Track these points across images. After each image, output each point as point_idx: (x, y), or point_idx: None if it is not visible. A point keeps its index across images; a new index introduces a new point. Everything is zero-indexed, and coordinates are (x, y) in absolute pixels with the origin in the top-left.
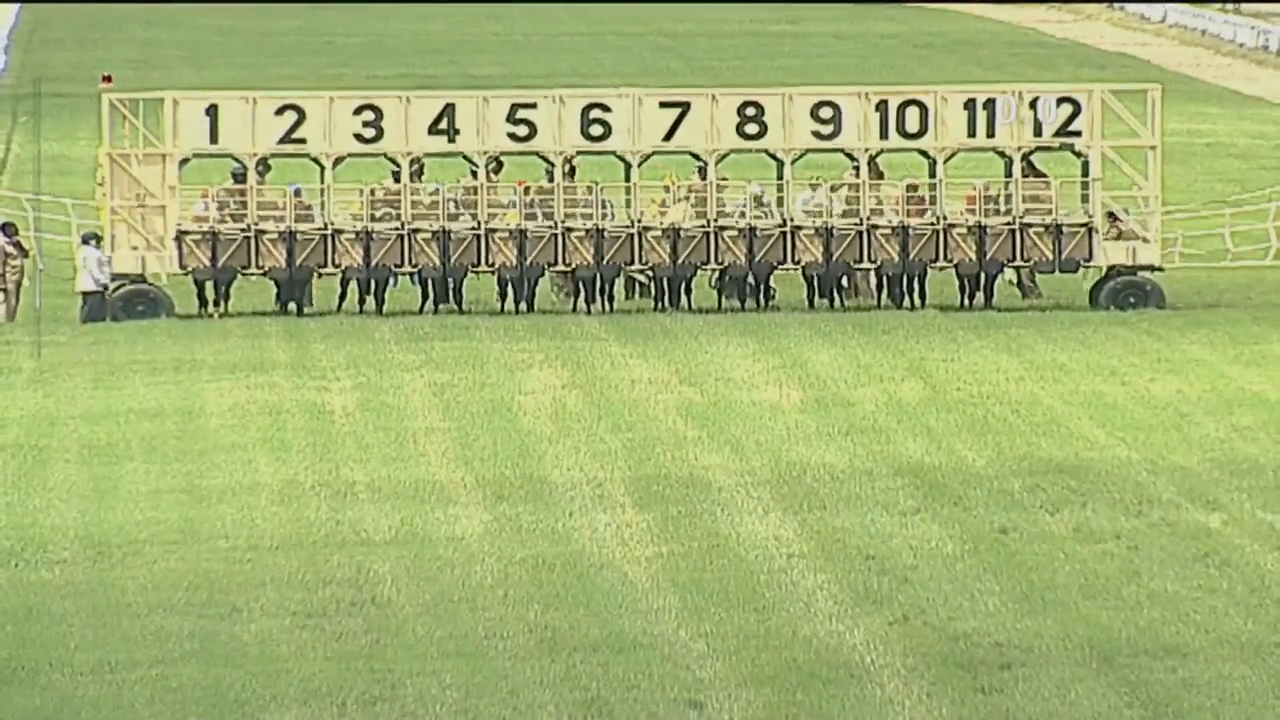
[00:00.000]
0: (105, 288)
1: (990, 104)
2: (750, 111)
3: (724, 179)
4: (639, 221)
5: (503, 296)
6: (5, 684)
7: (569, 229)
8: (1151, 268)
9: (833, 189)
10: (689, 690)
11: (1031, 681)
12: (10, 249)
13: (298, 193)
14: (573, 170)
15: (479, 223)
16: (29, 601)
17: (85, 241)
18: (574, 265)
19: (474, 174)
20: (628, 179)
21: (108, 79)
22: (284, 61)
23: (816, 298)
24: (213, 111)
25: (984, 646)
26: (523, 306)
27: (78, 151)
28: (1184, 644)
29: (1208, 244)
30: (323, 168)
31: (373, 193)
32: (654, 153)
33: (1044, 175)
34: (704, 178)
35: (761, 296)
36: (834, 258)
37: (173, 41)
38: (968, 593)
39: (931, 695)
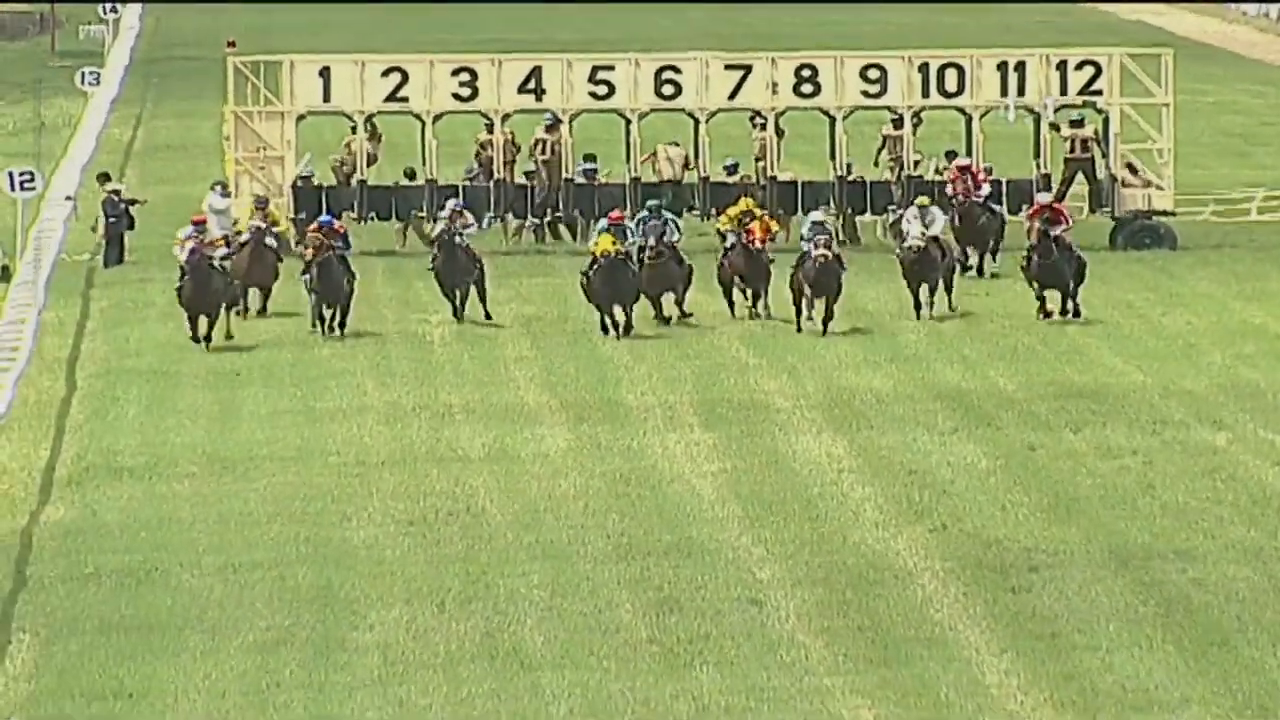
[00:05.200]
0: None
1: (1021, 66)
2: (806, 73)
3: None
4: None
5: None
6: (141, 583)
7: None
8: (1165, 212)
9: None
10: (750, 590)
11: (1057, 582)
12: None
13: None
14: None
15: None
16: (162, 511)
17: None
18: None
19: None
20: (696, 134)
21: (232, 44)
22: (390, 29)
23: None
24: (325, 73)
25: (1014, 551)
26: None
27: (203, 109)
28: (1193, 548)
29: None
30: (423, 124)
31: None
32: (719, 110)
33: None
34: (763, 130)
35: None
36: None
37: (290, 11)
38: (999, 504)
39: (967, 595)
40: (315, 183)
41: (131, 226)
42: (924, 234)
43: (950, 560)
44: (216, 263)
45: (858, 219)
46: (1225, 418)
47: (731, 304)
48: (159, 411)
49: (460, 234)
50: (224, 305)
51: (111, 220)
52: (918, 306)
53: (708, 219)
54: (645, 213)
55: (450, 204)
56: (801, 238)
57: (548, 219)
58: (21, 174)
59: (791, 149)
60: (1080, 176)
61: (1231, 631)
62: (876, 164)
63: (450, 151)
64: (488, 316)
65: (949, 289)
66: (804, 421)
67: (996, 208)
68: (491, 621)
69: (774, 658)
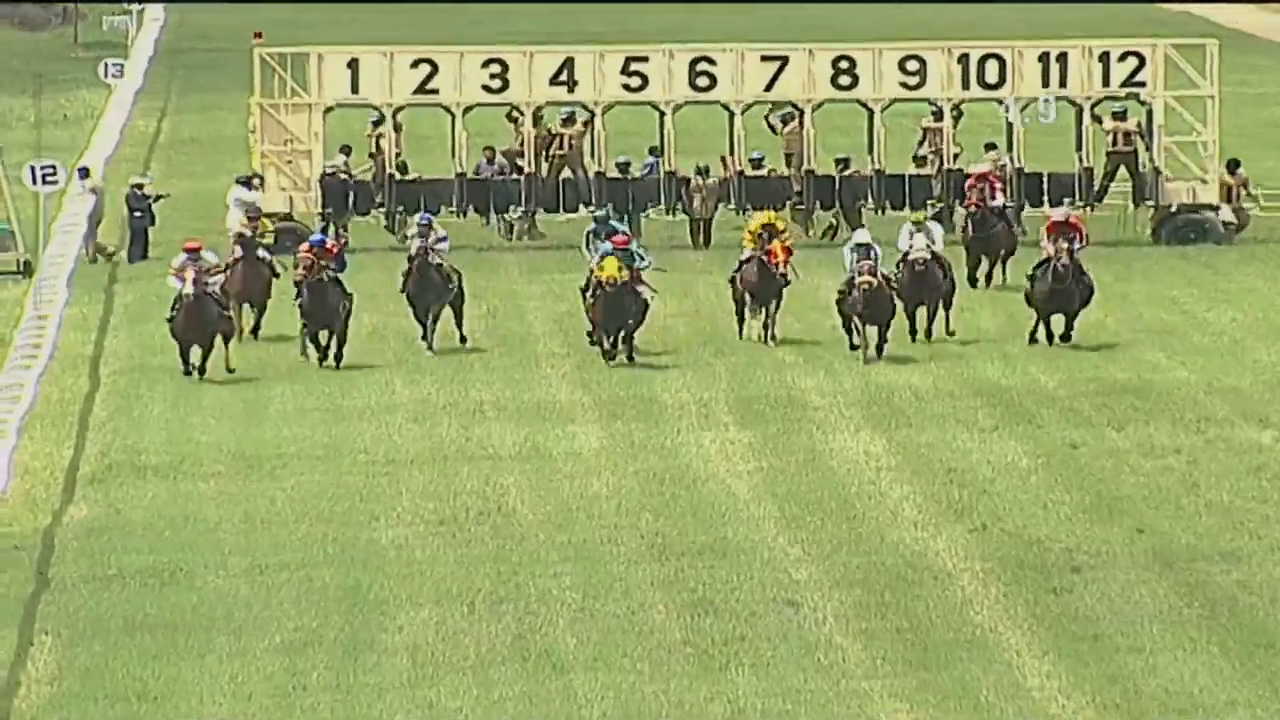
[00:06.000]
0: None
1: (1063, 57)
2: (844, 64)
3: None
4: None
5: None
6: (166, 584)
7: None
8: (1211, 206)
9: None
10: (786, 591)
11: (1099, 583)
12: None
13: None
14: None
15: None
16: (187, 510)
17: (239, 183)
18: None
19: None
20: (731, 127)
21: (259, 35)
22: (418, 20)
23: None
24: (354, 65)
25: (1055, 552)
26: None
27: (228, 101)
28: (1238, 549)
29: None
30: (453, 116)
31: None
32: (755, 102)
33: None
34: (801, 126)
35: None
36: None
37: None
38: (1041, 503)
39: (1007, 596)
40: (343, 176)
41: (154, 222)
42: (929, 246)
43: (991, 560)
44: (213, 288)
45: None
46: (1272, 415)
47: (741, 323)
48: (184, 409)
49: (433, 250)
50: (220, 336)
51: (136, 215)
52: (913, 332)
53: (742, 214)
54: (594, 225)
55: (418, 219)
56: (846, 264)
57: (521, 213)
58: (44, 168)
59: (828, 142)
60: (1123, 170)
61: (1278, 634)
62: (916, 158)
63: (481, 145)
64: (463, 340)
65: (948, 308)
66: (841, 419)
67: (1011, 219)
68: (523, 623)
69: (811, 660)
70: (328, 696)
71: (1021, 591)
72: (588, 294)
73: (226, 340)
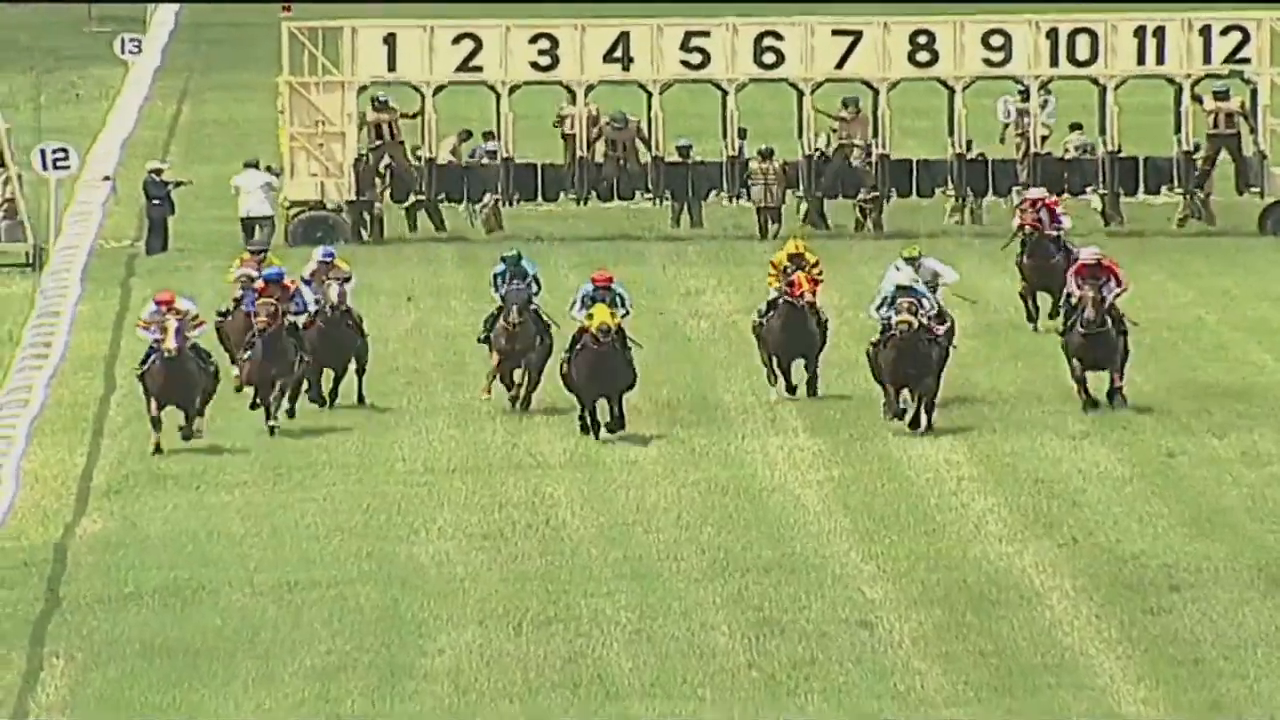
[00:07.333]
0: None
1: (1160, 32)
2: (922, 39)
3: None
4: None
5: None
6: (187, 603)
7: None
8: None
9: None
10: (860, 611)
11: (1200, 603)
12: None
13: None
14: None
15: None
16: (210, 523)
17: (247, 167)
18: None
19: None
20: (800, 107)
21: (287, 7)
22: None
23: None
24: (390, 40)
25: (1152, 568)
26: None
27: (254, 80)
28: None
29: None
30: (498, 96)
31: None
32: (826, 80)
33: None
34: (875, 107)
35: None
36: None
37: None
38: (1136, 515)
39: (1100, 616)
40: (380, 162)
41: (173, 211)
42: (921, 301)
43: (1082, 578)
44: (196, 340)
45: (981, 201)
46: None
47: (773, 380)
48: (206, 413)
49: (343, 295)
50: (203, 396)
51: (154, 203)
52: (898, 415)
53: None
54: (501, 265)
55: (319, 253)
56: (878, 303)
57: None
58: (55, 151)
59: (905, 125)
60: (1225, 154)
61: None
62: (1002, 140)
63: (526, 126)
64: (361, 400)
65: (937, 380)
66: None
67: (1072, 247)
68: (574, 646)
69: (886, 686)
70: None
71: (1115, 611)
72: (571, 353)
73: (206, 401)
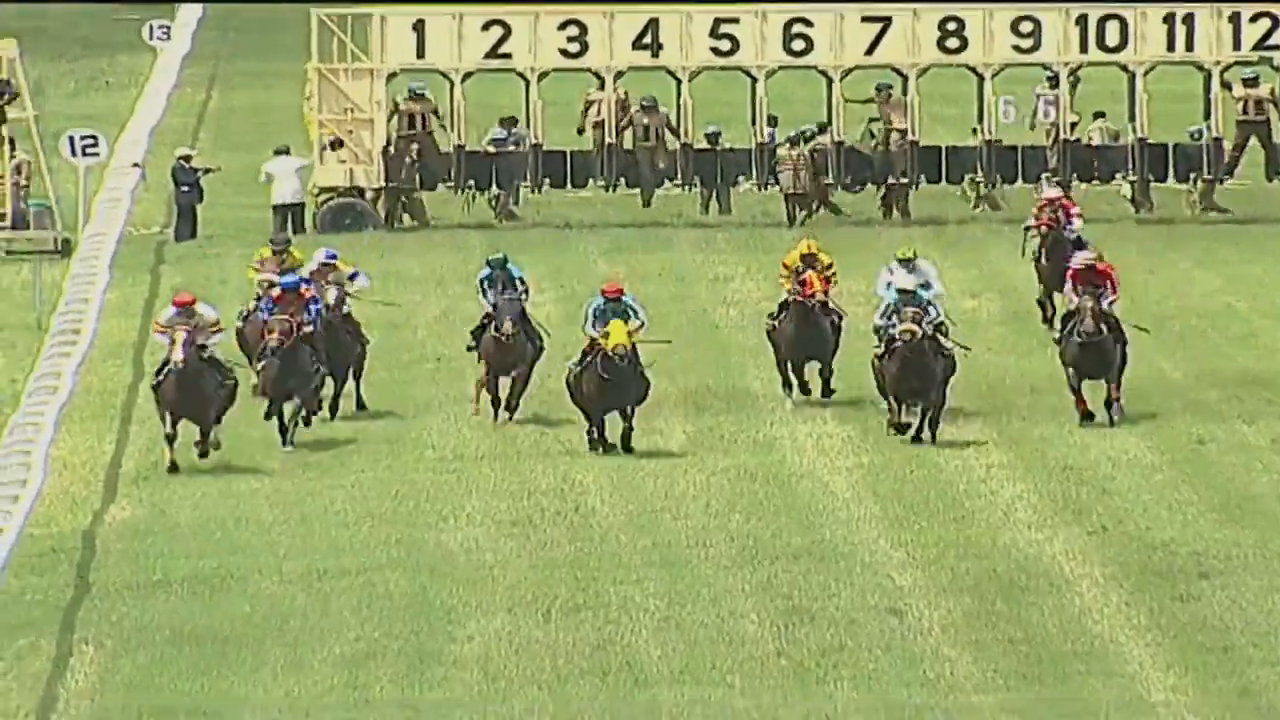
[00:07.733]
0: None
1: (1189, 18)
2: (951, 26)
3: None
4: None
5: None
6: (216, 591)
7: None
8: None
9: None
10: (889, 598)
11: (1229, 590)
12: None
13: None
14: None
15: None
16: (239, 511)
17: (277, 154)
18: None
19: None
20: (830, 94)
21: None
22: None
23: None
24: (420, 27)
25: (1182, 556)
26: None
27: (283, 67)
28: None
29: None
30: (527, 83)
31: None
32: (856, 67)
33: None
34: (905, 92)
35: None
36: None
37: None
38: (1166, 503)
39: (1130, 604)
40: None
41: (202, 198)
42: (924, 310)
43: (1111, 565)
44: (212, 350)
45: (1006, 189)
46: None
47: (787, 387)
48: (235, 400)
49: (346, 299)
50: (218, 411)
51: (183, 190)
52: (900, 428)
53: (855, 191)
54: (488, 270)
55: (320, 255)
56: (883, 311)
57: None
58: (84, 138)
59: (934, 111)
60: (1255, 141)
61: None
62: (1032, 127)
63: (555, 113)
64: (360, 406)
65: (943, 393)
66: (948, 411)
67: (1087, 245)
68: (603, 632)
69: (915, 673)
70: (393, 712)
71: (1145, 599)
72: (580, 367)
73: (220, 416)
